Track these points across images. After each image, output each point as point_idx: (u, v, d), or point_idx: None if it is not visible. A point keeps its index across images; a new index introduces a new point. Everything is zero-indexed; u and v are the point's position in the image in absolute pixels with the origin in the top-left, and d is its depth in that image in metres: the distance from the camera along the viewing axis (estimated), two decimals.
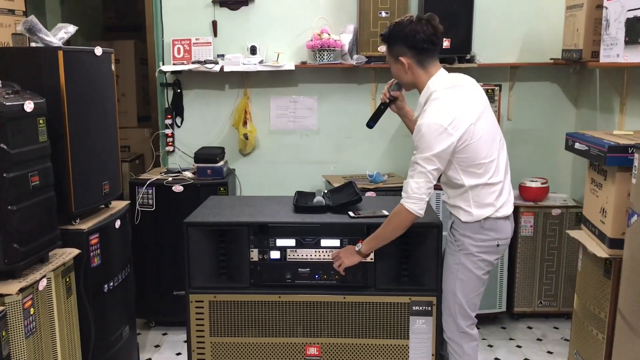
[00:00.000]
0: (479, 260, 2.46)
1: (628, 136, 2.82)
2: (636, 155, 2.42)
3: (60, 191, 2.45)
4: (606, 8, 3.18)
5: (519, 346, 3.56)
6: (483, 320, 3.74)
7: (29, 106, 2.17)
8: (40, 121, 2.26)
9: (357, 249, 2.51)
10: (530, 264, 3.77)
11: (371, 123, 2.66)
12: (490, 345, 3.55)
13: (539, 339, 3.66)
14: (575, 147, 2.96)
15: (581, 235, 3.07)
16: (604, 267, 2.80)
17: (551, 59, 3.91)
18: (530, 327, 3.81)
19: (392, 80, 2.61)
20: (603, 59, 3.23)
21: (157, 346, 3.59)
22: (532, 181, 3.81)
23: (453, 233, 2.50)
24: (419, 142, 2.29)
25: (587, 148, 2.84)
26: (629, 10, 2.95)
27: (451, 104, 2.32)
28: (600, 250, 2.80)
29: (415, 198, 2.30)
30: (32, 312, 2.16)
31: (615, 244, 2.70)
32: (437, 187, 2.47)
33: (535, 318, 3.89)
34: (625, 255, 2.50)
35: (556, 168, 4.16)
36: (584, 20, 3.41)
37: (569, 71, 4.06)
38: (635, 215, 2.38)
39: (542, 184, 3.79)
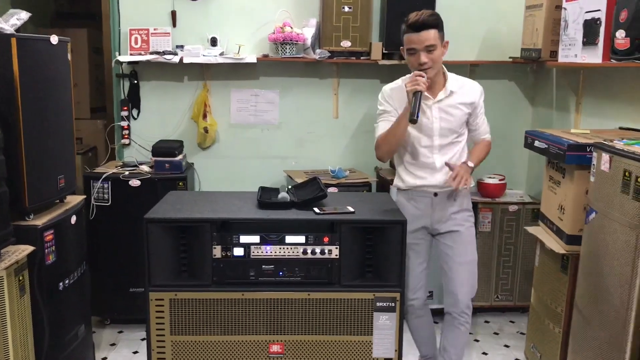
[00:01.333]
0: None
1: (585, 135, 2.89)
2: (595, 154, 2.48)
3: (13, 185, 2.34)
4: (565, 9, 3.25)
5: (476, 340, 3.62)
6: (440, 315, 3.78)
7: None
8: None
9: (470, 164, 2.74)
10: (487, 259, 3.84)
11: (417, 116, 2.53)
12: None
13: (495, 333, 3.73)
14: (535, 145, 3.02)
15: (539, 231, 3.14)
16: (561, 263, 2.88)
17: (510, 57, 3.98)
18: (487, 321, 3.89)
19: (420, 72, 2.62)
20: (561, 59, 3.30)
21: (112, 344, 3.49)
22: (490, 178, 3.87)
23: (469, 208, 2.87)
24: (482, 93, 2.86)
25: (546, 146, 2.90)
26: (587, 12, 3.02)
27: None
28: (558, 246, 2.87)
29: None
30: None
31: (573, 240, 2.77)
32: None
33: (492, 312, 3.97)
34: (582, 251, 2.57)
35: (513, 165, 4.25)
36: (543, 21, 3.48)
37: (526, 70, 4.14)
38: (594, 213, 2.44)
39: (499, 180, 3.86)
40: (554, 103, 3.88)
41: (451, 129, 2.75)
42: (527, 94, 4.21)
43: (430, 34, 2.59)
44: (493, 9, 4.07)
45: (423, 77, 2.56)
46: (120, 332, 3.65)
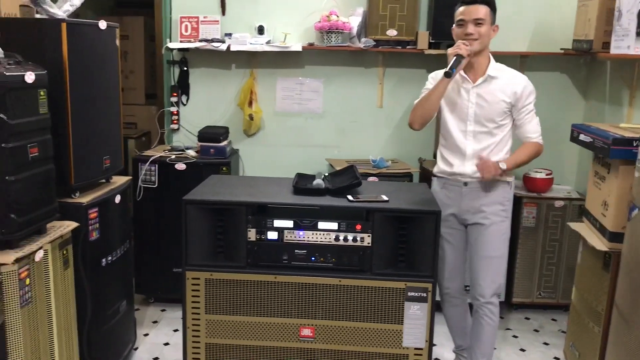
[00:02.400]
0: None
1: (634, 129, 2.78)
2: None
3: (60, 164, 2.46)
4: None
5: (515, 336, 3.56)
6: None
7: (30, 77, 2.17)
8: (41, 93, 2.26)
9: (501, 166, 2.69)
10: (530, 255, 3.76)
11: (452, 71, 2.60)
12: None
13: (535, 330, 3.65)
14: (580, 138, 2.93)
15: (582, 227, 3.05)
16: (603, 261, 2.79)
17: (561, 49, 3.85)
18: (527, 318, 3.81)
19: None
20: (613, 50, 3.18)
21: (155, 322, 3.62)
22: (537, 172, 3.78)
23: (503, 202, 2.78)
24: (528, 92, 2.73)
25: (591, 140, 2.81)
26: None
27: None
28: (600, 244, 2.78)
29: (541, 134, 2.78)
30: (27, 283, 2.17)
31: (616, 237, 2.68)
32: None
33: (534, 309, 3.89)
34: (624, 249, 2.48)
35: (562, 160, 4.13)
36: (596, 10, 3.36)
37: (579, 62, 4.01)
38: (636, 209, 2.36)
39: (546, 175, 3.77)
40: (607, 96, 3.74)
41: (487, 116, 2.71)
42: (579, 87, 4.07)
43: (481, 9, 2.64)
44: None
45: (467, 45, 2.61)
46: (163, 310, 3.78)
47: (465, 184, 2.77)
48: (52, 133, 2.35)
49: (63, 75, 2.43)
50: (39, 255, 2.24)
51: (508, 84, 2.71)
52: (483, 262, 2.77)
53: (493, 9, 2.71)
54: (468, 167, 2.76)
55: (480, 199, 2.75)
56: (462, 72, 2.72)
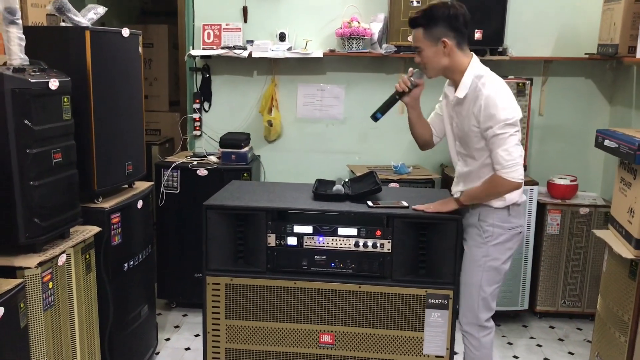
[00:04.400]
0: (507, 249, 2.52)
1: None
2: None
3: (83, 169, 2.49)
4: None
5: (539, 345, 3.50)
6: (504, 318, 3.70)
7: (54, 84, 2.21)
8: (65, 99, 2.30)
9: (455, 196, 2.53)
10: (555, 263, 3.70)
11: (379, 115, 2.54)
12: (510, 343, 3.50)
13: (560, 339, 3.59)
14: (605, 144, 2.88)
15: (607, 235, 2.99)
16: (629, 269, 2.73)
17: (586, 53, 3.80)
18: (552, 327, 3.74)
19: (412, 69, 2.57)
20: None
21: (176, 327, 3.64)
22: (561, 178, 3.72)
23: (480, 225, 2.49)
24: (489, 112, 2.30)
25: (617, 145, 2.76)
26: None
27: (507, 89, 2.39)
28: (626, 251, 2.72)
29: (511, 165, 2.31)
30: (50, 286, 2.20)
31: None
32: None
33: (558, 318, 3.82)
34: None
35: (587, 166, 4.06)
36: (621, 14, 3.31)
37: (604, 67, 3.94)
38: None
39: (571, 181, 3.71)
40: (633, 102, 3.67)
41: (463, 138, 2.49)
42: (604, 92, 4.01)
43: (415, 33, 2.43)
44: (569, 2, 3.90)
45: (409, 76, 2.51)
46: (185, 315, 3.80)
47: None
48: (75, 139, 2.39)
49: (87, 81, 2.47)
50: (61, 260, 2.27)
51: (476, 101, 2.36)
52: (460, 286, 2.57)
53: (430, 25, 2.37)
54: (458, 186, 2.62)
55: (465, 220, 2.55)
56: (447, 87, 2.56)
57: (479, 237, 2.51)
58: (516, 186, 2.36)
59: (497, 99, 2.31)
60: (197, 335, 3.50)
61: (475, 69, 2.42)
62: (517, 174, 2.32)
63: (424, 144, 2.74)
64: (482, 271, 2.51)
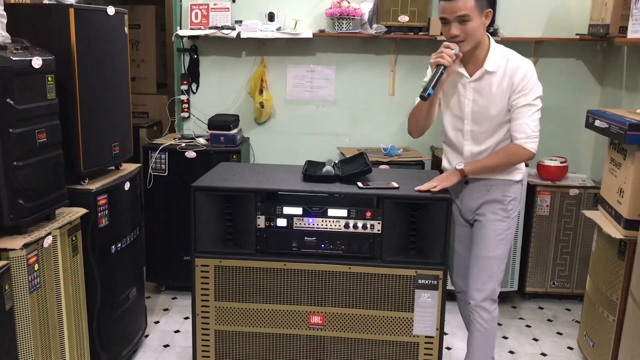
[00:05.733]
0: (516, 222, 2.66)
1: None
2: None
3: (69, 150, 2.45)
4: None
5: (528, 326, 3.52)
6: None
7: (37, 62, 2.16)
8: (49, 78, 2.25)
9: (457, 167, 2.49)
10: (544, 244, 3.71)
11: (431, 91, 2.29)
12: (499, 324, 3.51)
13: (549, 320, 3.61)
14: (596, 124, 2.87)
15: (597, 215, 3.00)
16: (618, 249, 2.74)
17: (577, 34, 3.78)
18: (541, 308, 3.76)
19: (449, 43, 2.36)
20: (631, 35, 3.11)
21: (165, 310, 3.62)
22: (551, 160, 3.72)
23: (504, 199, 2.52)
24: (529, 83, 2.35)
25: (607, 126, 2.75)
26: None
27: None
28: (615, 231, 2.73)
29: (534, 137, 2.39)
30: (36, 268, 2.17)
31: (631, 225, 2.64)
32: None
33: (547, 299, 3.84)
34: None
35: (577, 148, 4.07)
36: None
37: (595, 48, 3.93)
38: None
39: (561, 163, 3.71)
40: (624, 82, 3.66)
41: (485, 115, 2.43)
42: (595, 73, 4.00)
43: (462, 3, 2.25)
44: None
45: (452, 49, 2.30)
46: (174, 298, 3.78)
47: (467, 182, 2.58)
48: (60, 119, 2.34)
49: (71, 60, 2.42)
50: (47, 241, 2.24)
51: (507, 74, 2.37)
52: (476, 261, 2.56)
53: None
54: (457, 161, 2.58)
55: (480, 198, 2.55)
56: (459, 64, 2.43)
57: (502, 211, 2.52)
58: (531, 157, 2.43)
59: (534, 73, 2.38)
60: (186, 318, 3.49)
61: (496, 45, 2.44)
62: (536, 145, 2.40)
63: (424, 129, 2.62)
64: (504, 244, 2.55)
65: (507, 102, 2.39)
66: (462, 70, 2.44)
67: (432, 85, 2.28)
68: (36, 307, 2.19)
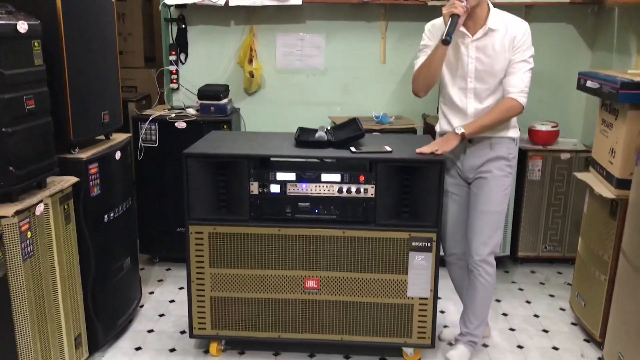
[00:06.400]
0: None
1: None
2: None
3: (58, 118, 2.42)
4: None
5: (520, 289, 3.56)
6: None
7: (22, 27, 2.12)
8: (36, 44, 2.21)
9: (458, 131, 2.52)
10: (536, 209, 3.73)
11: (452, 35, 2.39)
12: None
13: (541, 283, 3.64)
14: (587, 85, 2.87)
15: (588, 177, 3.02)
16: (609, 209, 2.76)
17: None
18: (533, 272, 3.80)
19: None
20: None
21: (160, 280, 3.62)
22: (542, 124, 3.72)
23: (507, 157, 2.61)
24: (527, 41, 2.48)
25: (598, 86, 2.75)
26: None
27: None
28: (607, 191, 2.75)
29: (526, 92, 2.49)
30: (29, 236, 2.16)
31: (623, 184, 2.65)
32: None
33: (539, 263, 3.87)
34: (632, 195, 2.45)
35: (568, 112, 4.07)
36: None
37: (586, 11, 3.91)
38: None
39: (552, 127, 3.71)
40: (615, 46, 3.65)
41: (489, 72, 2.51)
42: (586, 37, 3.98)
43: None
44: None
45: (461, 1, 2.38)
46: (168, 269, 3.78)
47: (470, 141, 2.60)
48: (48, 86, 2.30)
49: (57, 26, 2.37)
50: (39, 209, 2.22)
51: (508, 32, 2.47)
52: (481, 216, 2.60)
53: None
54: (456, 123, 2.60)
55: (484, 156, 2.60)
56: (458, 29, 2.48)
57: (508, 167, 2.62)
58: (521, 111, 2.52)
59: (530, 32, 2.50)
60: (181, 288, 3.49)
61: (495, 8, 2.54)
62: (526, 100, 2.50)
63: (431, 85, 2.63)
64: (507, 200, 2.66)
65: (508, 59, 2.49)
66: (464, 30, 2.51)
67: (451, 30, 2.39)
68: (30, 274, 2.18)
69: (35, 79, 2.21)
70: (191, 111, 3.73)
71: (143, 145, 3.63)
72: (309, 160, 2.78)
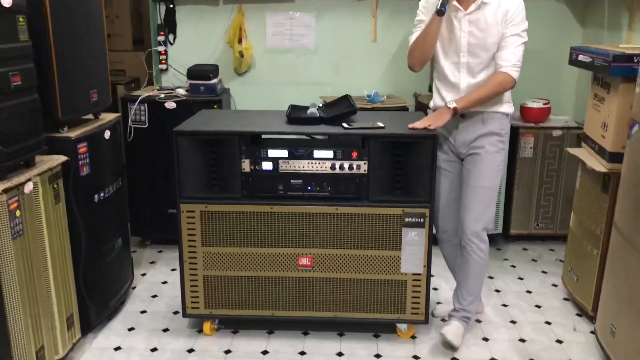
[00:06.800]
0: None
1: (634, 48, 2.71)
2: None
3: (45, 97, 2.37)
4: None
5: (513, 266, 3.57)
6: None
7: (6, 1, 2.07)
8: (20, 19, 2.16)
9: (450, 106, 2.51)
10: (528, 186, 3.73)
11: (444, 8, 2.42)
12: None
13: (533, 260, 3.66)
14: (579, 59, 2.86)
15: (581, 152, 3.02)
16: (602, 183, 2.76)
17: None
18: (525, 249, 3.81)
19: None
20: None
21: (152, 262, 3.60)
22: (534, 102, 3.71)
23: (499, 132, 2.60)
24: (520, 14, 2.48)
25: (591, 60, 2.75)
26: None
27: None
28: (599, 165, 2.75)
29: (518, 66, 2.48)
30: (18, 215, 2.13)
31: (615, 158, 2.66)
32: None
33: (531, 240, 3.89)
34: (624, 169, 2.45)
35: (560, 90, 4.06)
36: None
37: None
38: (637, 125, 2.31)
39: (544, 104, 3.70)
40: (606, 22, 3.64)
41: (481, 46, 2.49)
42: (577, 13, 3.96)
43: None
44: None
45: None
46: (160, 251, 3.76)
47: (463, 116, 2.59)
48: (35, 63, 2.26)
49: (42, 1, 2.32)
50: (28, 187, 2.19)
51: (501, 5, 2.46)
52: (473, 192, 2.59)
53: None
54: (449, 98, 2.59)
55: (477, 131, 2.59)
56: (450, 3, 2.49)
57: (500, 142, 2.61)
58: (513, 85, 2.50)
59: (524, 6, 2.49)
60: (173, 270, 3.47)
61: None
62: (518, 74, 2.49)
63: (427, 58, 2.63)
64: (499, 176, 2.65)
65: (500, 33, 2.48)
66: (457, 4, 2.50)
67: (445, 0, 2.41)
68: (20, 253, 2.15)
69: (20, 54, 2.17)
70: (181, 91, 3.69)
71: (132, 126, 3.59)
72: (301, 137, 2.76)
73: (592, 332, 2.80)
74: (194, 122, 2.73)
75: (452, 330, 2.69)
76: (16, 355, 2.15)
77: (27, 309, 2.19)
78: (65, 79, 2.48)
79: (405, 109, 3.73)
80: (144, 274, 3.43)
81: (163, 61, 4.05)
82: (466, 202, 2.62)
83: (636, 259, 2.26)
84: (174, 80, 4.03)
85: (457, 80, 2.59)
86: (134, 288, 3.24)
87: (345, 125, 2.62)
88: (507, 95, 2.59)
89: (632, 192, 2.33)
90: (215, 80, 3.68)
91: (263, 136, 2.73)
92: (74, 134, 2.55)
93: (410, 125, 2.53)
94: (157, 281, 3.35)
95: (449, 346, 2.66)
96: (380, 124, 2.62)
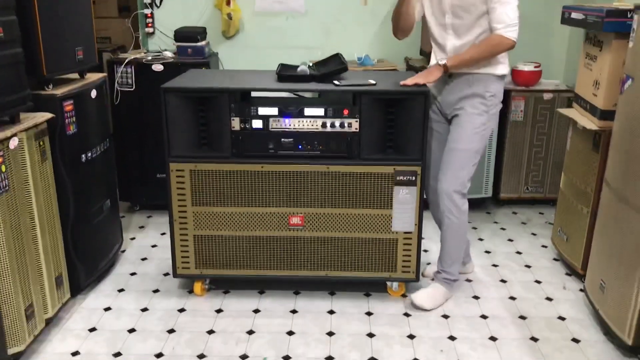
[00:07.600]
0: (496, 120, 2.65)
1: (627, 6, 2.69)
2: (635, 17, 2.31)
3: (30, 53, 2.31)
4: None
5: (503, 229, 3.58)
6: (468, 205, 3.74)
7: None
8: None
9: (440, 62, 2.49)
10: (518, 150, 3.73)
11: None
12: (474, 228, 3.57)
13: (523, 223, 3.67)
14: (572, 17, 2.84)
15: (571, 112, 3.01)
16: (592, 141, 2.76)
17: None
18: (515, 213, 3.83)
19: None
20: None
21: (141, 227, 3.58)
22: (525, 64, 3.69)
23: (485, 94, 2.52)
24: None
25: (583, 17, 2.72)
26: None
27: None
28: (590, 124, 2.75)
29: (513, 25, 2.41)
30: (3, 170, 2.08)
31: (606, 115, 2.65)
32: None
33: (521, 204, 3.90)
34: (616, 124, 2.45)
35: (550, 54, 4.04)
36: None
37: None
38: (630, 80, 2.30)
39: (535, 67, 3.68)
40: None
41: (463, 7, 2.45)
42: None
43: None
44: None
45: None
46: (149, 216, 3.73)
47: (450, 76, 2.57)
48: (18, 18, 2.19)
49: None
50: (13, 143, 2.14)
51: None
52: (447, 153, 2.57)
53: None
54: (440, 56, 2.59)
55: (461, 91, 2.55)
56: None
57: (482, 105, 2.53)
58: (511, 46, 2.44)
59: None
60: (163, 234, 3.45)
61: None
62: (515, 34, 2.42)
63: (406, 29, 2.64)
64: (479, 139, 2.55)
65: None
66: None
67: None
68: (6, 209, 2.11)
69: (1, 6, 2.10)
70: (168, 54, 3.63)
71: (119, 89, 3.53)
72: (291, 95, 2.72)
73: (581, 290, 2.82)
74: (183, 80, 2.69)
75: (420, 294, 2.67)
76: (5, 312, 2.12)
77: (14, 265, 2.16)
78: (50, 34, 2.42)
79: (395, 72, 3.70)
80: (133, 238, 3.40)
81: (149, 24, 3.97)
82: (442, 162, 2.60)
83: (626, 213, 2.26)
84: (161, 44, 3.96)
85: (444, 42, 2.57)
86: (123, 251, 3.22)
87: (336, 82, 2.58)
88: (503, 56, 2.52)
89: (623, 146, 2.32)
90: (203, 43, 3.62)
91: (253, 94, 2.69)
92: (59, 91, 2.50)
93: (402, 82, 2.51)
94: (146, 245, 3.32)
95: (421, 309, 2.66)
96: (372, 81, 2.59)
